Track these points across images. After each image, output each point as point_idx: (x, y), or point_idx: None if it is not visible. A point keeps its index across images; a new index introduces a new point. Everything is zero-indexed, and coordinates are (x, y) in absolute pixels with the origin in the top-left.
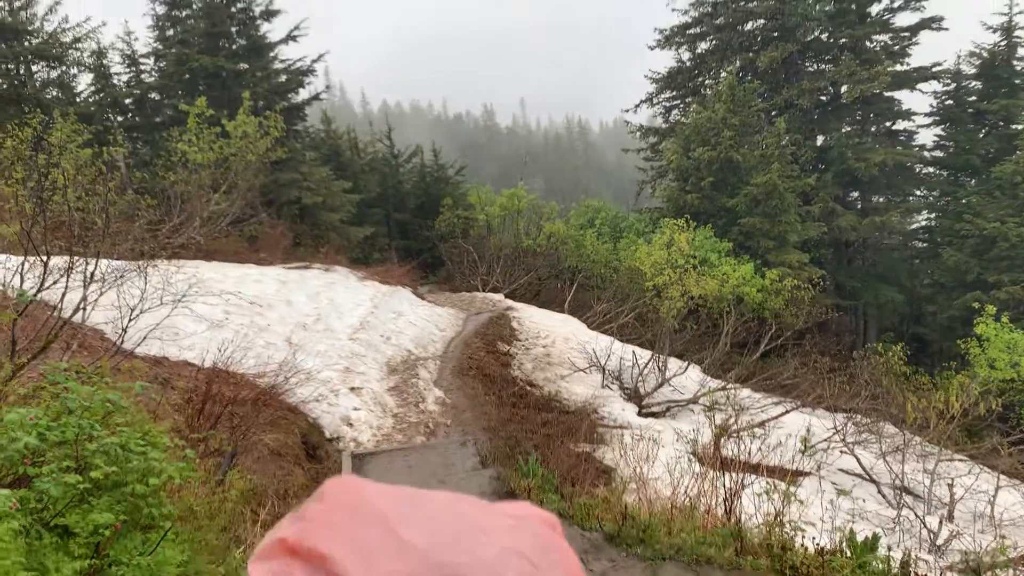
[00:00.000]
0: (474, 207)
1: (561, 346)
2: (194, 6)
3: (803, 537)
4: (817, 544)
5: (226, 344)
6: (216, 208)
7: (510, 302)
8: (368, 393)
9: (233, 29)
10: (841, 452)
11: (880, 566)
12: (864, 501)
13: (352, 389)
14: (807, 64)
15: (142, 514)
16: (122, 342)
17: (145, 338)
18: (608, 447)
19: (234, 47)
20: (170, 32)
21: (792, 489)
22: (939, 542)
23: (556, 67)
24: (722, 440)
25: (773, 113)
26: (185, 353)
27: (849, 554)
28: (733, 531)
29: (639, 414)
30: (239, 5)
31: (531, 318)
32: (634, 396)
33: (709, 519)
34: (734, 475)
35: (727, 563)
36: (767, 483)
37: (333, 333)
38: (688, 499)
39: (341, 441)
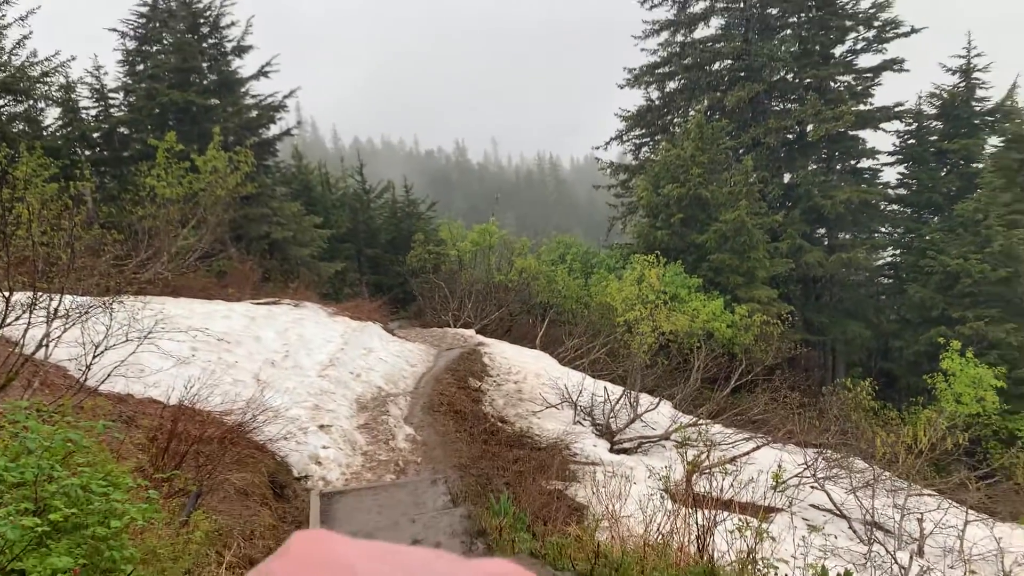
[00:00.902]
0: (445, 242)
1: (533, 382)
2: (165, 42)
3: (776, 575)
4: None
5: (192, 381)
6: (184, 243)
7: (481, 338)
8: (337, 431)
9: (204, 64)
10: (812, 488)
11: None
12: (836, 537)
13: (321, 427)
14: (773, 103)
15: (103, 557)
16: (85, 379)
17: (109, 375)
18: (580, 484)
19: (205, 82)
20: (140, 67)
21: (764, 526)
22: None
23: (528, 105)
24: (694, 476)
25: (741, 151)
26: (150, 390)
27: None
28: (706, 569)
29: (611, 450)
30: (211, 41)
31: (502, 354)
32: (606, 432)
33: (682, 557)
34: (706, 512)
35: None
36: (739, 520)
37: (302, 370)
38: (661, 536)
39: (309, 480)
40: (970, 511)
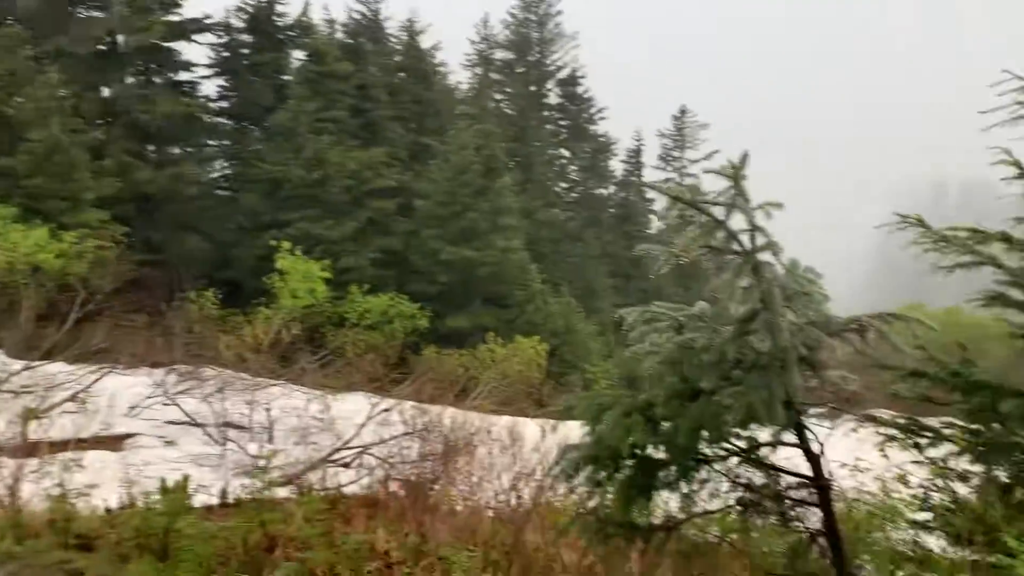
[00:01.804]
0: None
1: None
2: None
3: (101, 502)
4: (107, 504)
5: None
6: None
7: None
8: None
9: None
10: (165, 405)
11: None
12: (191, 447)
13: None
14: (79, 10)
15: None
16: None
17: None
18: None
19: None
20: None
21: (73, 457)
22: (262, 463)
23: None
24: (30, 424)
25: (46, 62)
26: None
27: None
28: (12, 519)
29: None
30: None
31: None
32: None
33: None
34: (31, 459)
35: (4, 555)
36: (57, 459)
37: None
38: None
39: None
40: (310, 391)
